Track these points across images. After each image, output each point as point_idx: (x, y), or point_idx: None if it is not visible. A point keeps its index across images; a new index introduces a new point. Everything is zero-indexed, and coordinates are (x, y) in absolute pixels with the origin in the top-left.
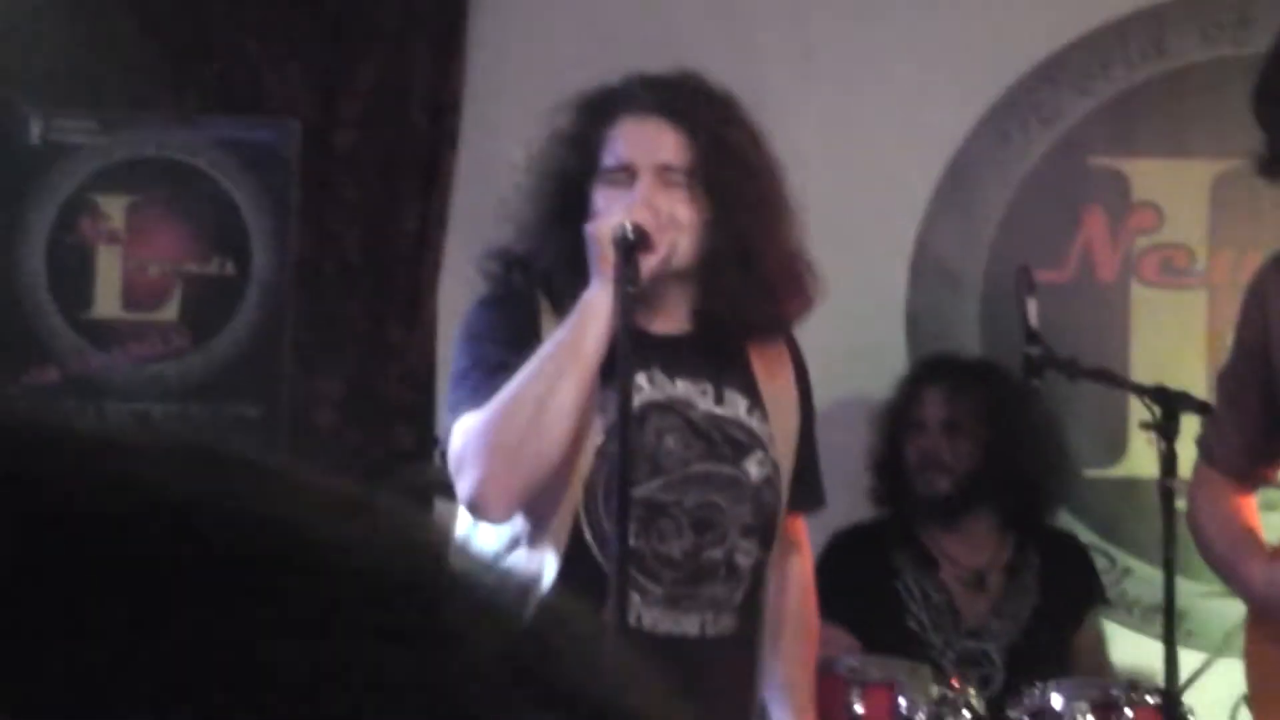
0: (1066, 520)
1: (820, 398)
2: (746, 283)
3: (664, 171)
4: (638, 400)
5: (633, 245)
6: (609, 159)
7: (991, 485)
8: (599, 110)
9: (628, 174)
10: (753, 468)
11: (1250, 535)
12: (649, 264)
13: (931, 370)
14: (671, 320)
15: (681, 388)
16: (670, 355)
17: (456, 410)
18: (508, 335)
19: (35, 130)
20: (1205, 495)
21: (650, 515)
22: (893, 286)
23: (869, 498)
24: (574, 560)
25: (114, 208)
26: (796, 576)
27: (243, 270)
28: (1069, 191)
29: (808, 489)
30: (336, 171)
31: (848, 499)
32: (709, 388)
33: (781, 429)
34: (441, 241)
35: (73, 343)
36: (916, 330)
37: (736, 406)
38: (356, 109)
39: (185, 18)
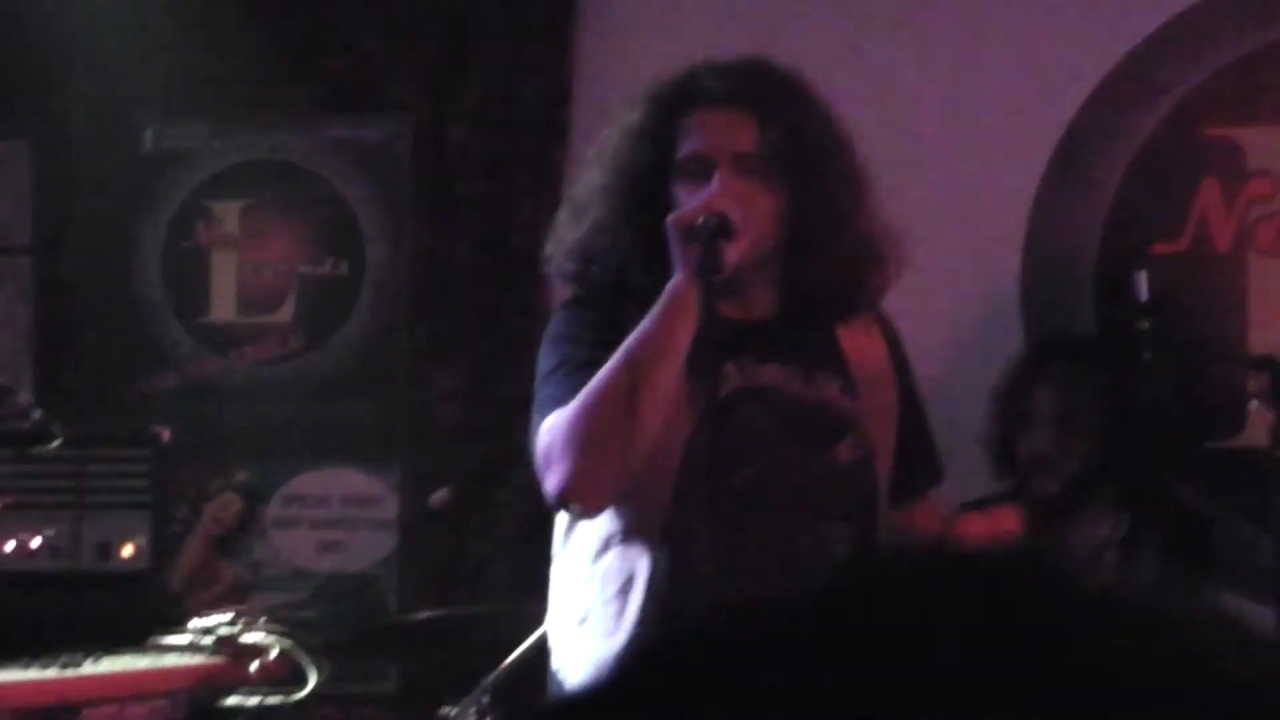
0: (1187, 492)
1: (938, 381)
2: (829, 263)
3: (740, 159)
4: (726, 388)
5: (715, 234)
6: (684, 150)
7: (1107, 474)
8: (671, 102)
9: (704, 164)
10: (844, 451)
11: None
12: (732, 253)
13: (1043, 362)
14: (757, 306)
15: (771, 372)
16: (758, 341)
17: (543, 409)
18: (591, 334)
19: (148, 139)
20: None
21: (742, 505)
22: (1007, 265)
23: (990, 475)
24: (667, 557)
25: (228, 212)
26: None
27: (357, 270)
28: (1184, 162)
29: (922, 464)
30: (449, 168)
31: (966, 482)
32: (798, 370)
33: (877, 406)
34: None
35: (190, 347)
36: (1031, 309)
37: (828, 388)
38: (468, 105)
39: (295, 19)
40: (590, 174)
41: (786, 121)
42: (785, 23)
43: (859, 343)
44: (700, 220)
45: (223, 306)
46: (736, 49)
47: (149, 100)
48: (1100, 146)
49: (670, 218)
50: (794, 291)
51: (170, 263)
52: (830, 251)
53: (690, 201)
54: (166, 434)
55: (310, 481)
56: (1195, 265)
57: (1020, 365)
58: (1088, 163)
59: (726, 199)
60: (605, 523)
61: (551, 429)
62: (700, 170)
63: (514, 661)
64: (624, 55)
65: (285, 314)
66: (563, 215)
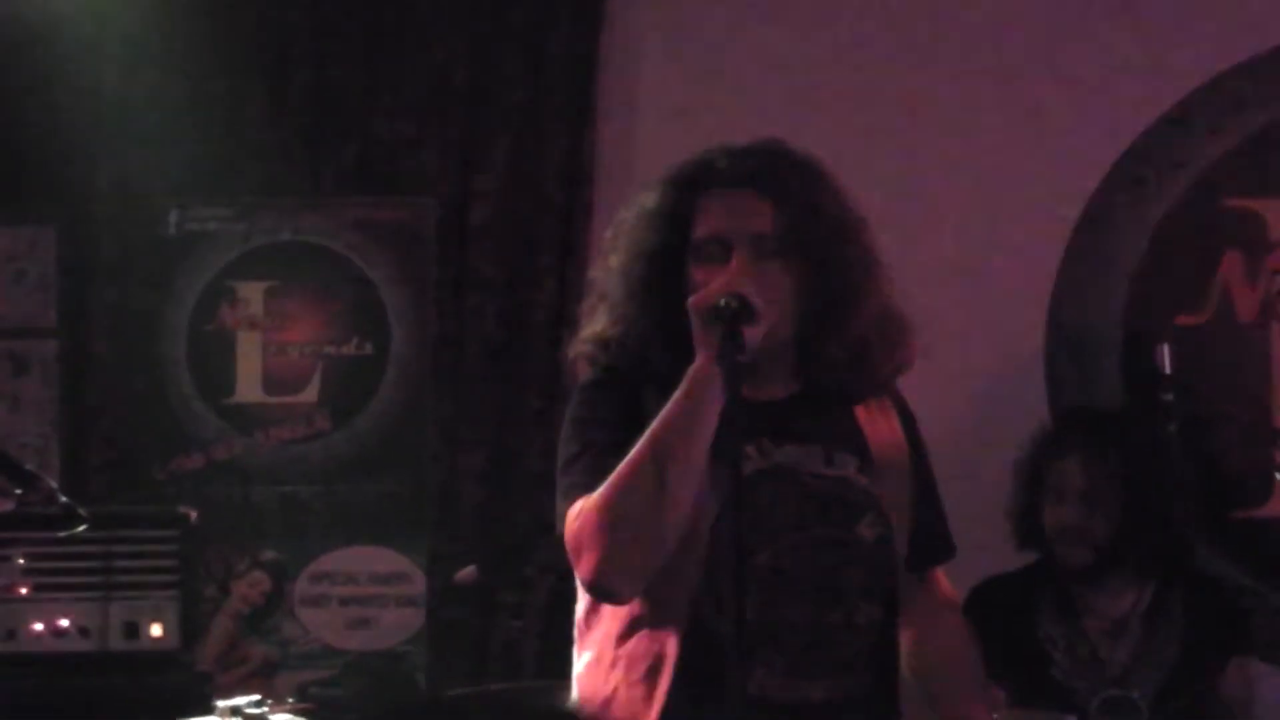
0: (1215, 562)
1: (963, 456)
2: (845, 344)
3: (758, 241)
4: (747, 469)
5: (736, 317)
6: (700, 231)
7: (1132, 545)
8: (687, 184)
9: (721, 246)
10: (865, 529)
11: None
12: (753, 335)
13: (1067, 436)
14: (774, 387)
15: (791, 453)
16: (776, 421)
17: (570, 495)
18: (614, 416)
19: (173, 221)
20: None
21: (769, 584)
22: (1031, 339)
23: (1013, 544)
24: (695, 639)
25: (252, 293)
26: (956, 628)
27: (382, 349)
28: (1206, 234)
29: (935, 540)
30: (473, 248)
31: (991, 556)
32: (818, 450)
33: (894, 484)
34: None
35: (216, 428)
36: (1056, 384)
37: (846, 466)
38: (491, 185)
39: (317, 103)
40: (609, 257)
41: (801, 204)
42: (803, 108)
43: (875, 422)
44: (721, 302)
45: (248, 387)
46: (754, 133)
47: (173, 183)
48: (1122, 220)
49: (691, 300)
50: (810, 373)
51: (195, 344)
52: (846, 333)
53: (709, 283)
54: (194, 514)
55: (337, 559)
56: (1219, 336)
57: (1045, 438)
58: (1110, 236)
59: (746, 281)
60: (632, 605)
61: (581, 515)
62: (717, 252)
63: None
64: (645, 137)
65: (310, 394)
66: (585, 299)
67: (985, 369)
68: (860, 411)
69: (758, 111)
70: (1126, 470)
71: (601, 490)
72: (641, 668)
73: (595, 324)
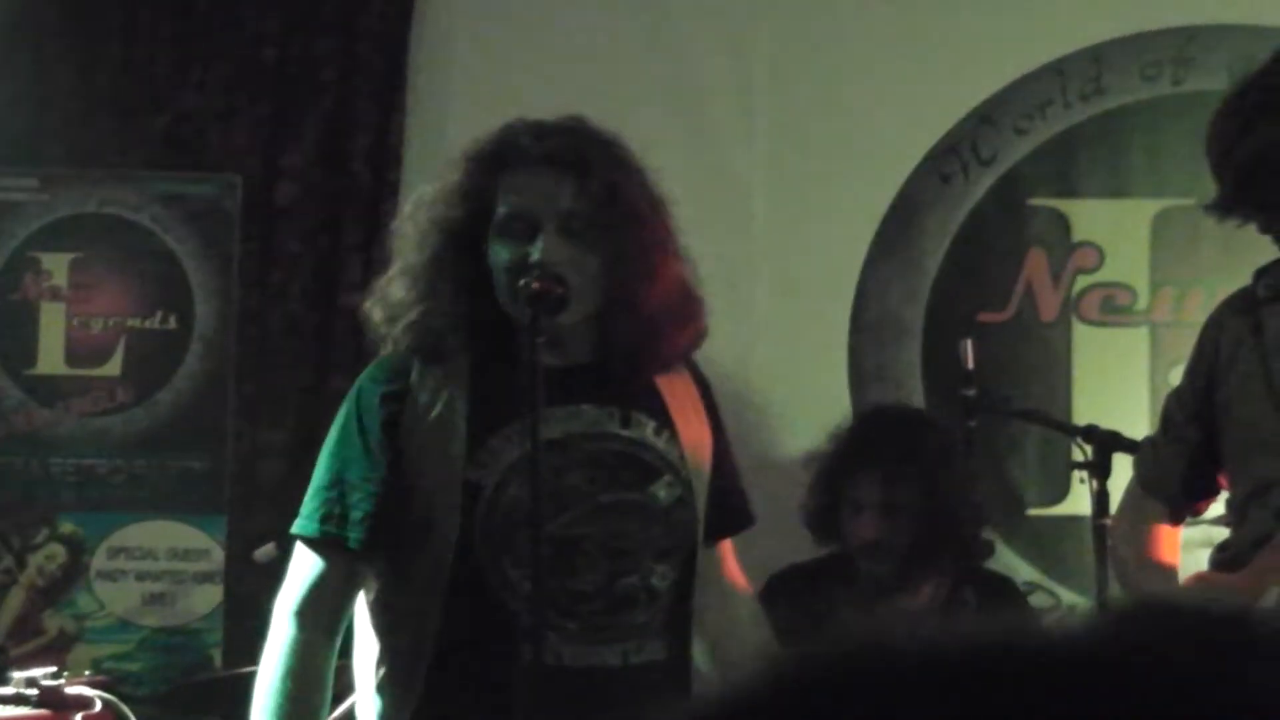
0: (1011, 558)
1: (764, 444)
2: (638, 321)
3: (566, 218)
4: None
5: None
6: (504, 208)
7: (930, 550)
8: (490, 161)
9: (524, 223)
10: (661, 491)
11: (1164, 569)
12: (567, 316)
13: (866, 446)
14: (572, 353)
15: (587, 413)
16: (573, 383)
17: (300, 529)
18: (373, 439)
19: None
20: (1130, 519)
21: (561, 552)
22: (836, 331)
23: (808, 535)
24: (481, 608)
25: (57, 264)
26: (743, 601)
27: (186, 324)
28: (1010, 233)
29: (733, 509)
30: (279, 225)
31: (789, 544)
32: (615, 411)
33: (693, 446)
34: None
35: (17, 399)
36: (859, 375)
37: (644, 428)
38: (298, 162)
39: (127, 74)
40: (407, 229)
41: (605, 183)
42: (614, 76)
43: (674, 387)
44: (537, 286)
45: (50, 359)
46: (567, 104)
47: None
48: (927, 215)
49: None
50: (606, 345)
51: None
52: (638, 311)
53: (513, 259)
54: None
55: (136, 533)
56: (1020, 334)
57: (843, 444)
58: (915, 231)
59: (563, 260)
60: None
61: (280, 611)
62: (521, 229)
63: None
64: (455, 110)
65: (113, 367)
66: (385, 275)
67: (789, 366)
68: (660, 381)
69: (573, 94)
70: (926, 478)
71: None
72: (407, 638)
73: (392, 291)
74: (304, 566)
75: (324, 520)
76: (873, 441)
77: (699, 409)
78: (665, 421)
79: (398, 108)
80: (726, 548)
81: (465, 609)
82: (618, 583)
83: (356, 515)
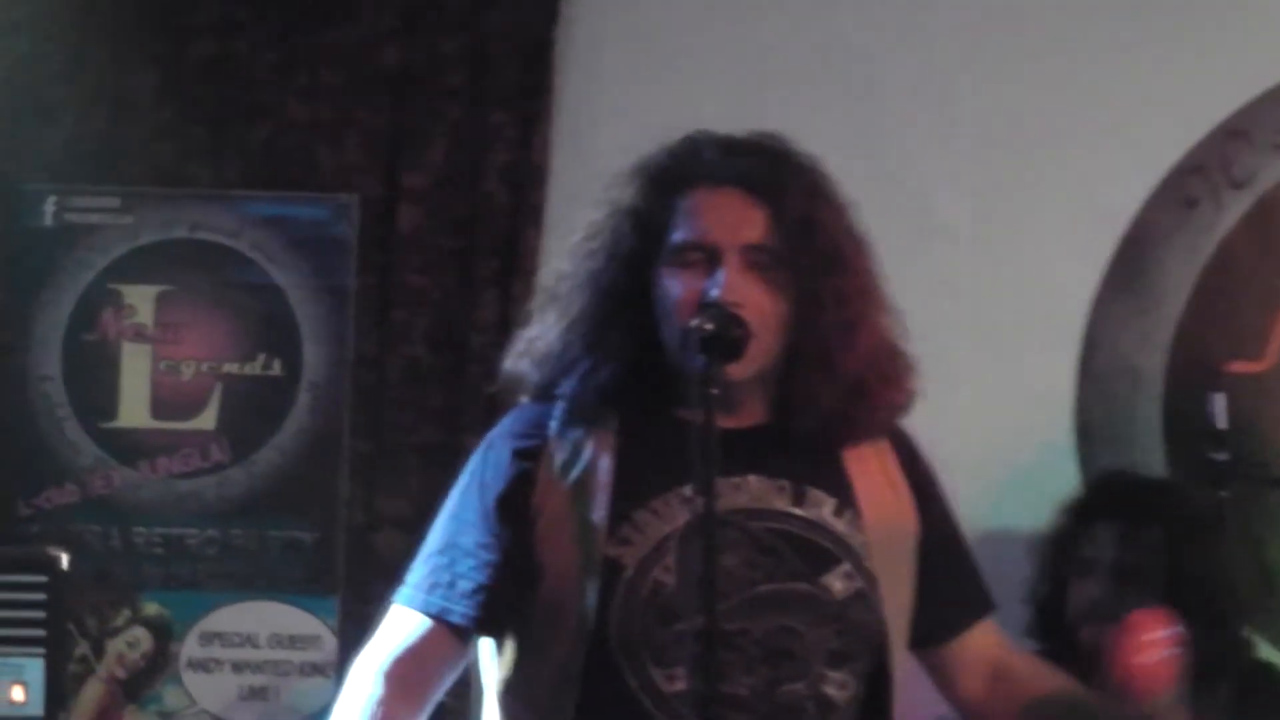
0: (1266, 650)
1: (975, 522)
2: (834, 384)
3: (750, 253)
4: (685, 516)
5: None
6: (680, 235)
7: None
8: (669, 178)
9: (704, 254)
10: (836, 582)
11: None
12: (740, 370)
13: (1103, 499)
14: (741, 415)
15: (754, 486)
16: (739, 449)
17: (404, 600)
18: (492, 506)
19: (48, 210)
20: None
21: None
22: (1059, 388)
23: (1025, 634)
24: (616, 710)
25: (141, 299)
26: (1032, 660)
27: (291, 371)
28: (1267, 267)
29: (970, 596)
30: (401, 254)
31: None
32: (787, 485)
33: (884, 531)
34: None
35: (94, 457)
36: (1088, 439)
37: (821, 506)
38: (424, 182)
39: (223, 80)
40: (566, 262)
41: (800, 214)
42: (791, 102)
43: (867, 466)
44: (714, 328)
45: (133, 410)
46: (736, 126)
47: (49, 165)
48: (1167, 248)
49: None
50: (789, 408)
51: (72, 357)
52: (837, 371)
53: (685, 294)
54: (64, 558)
55: (232, 616)
56: None
57: (1074, 506)
58: (1154, 267)
59: (737, 295)
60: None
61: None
62: (698, 260)
63: None
64: (608, 127)
65: (206, 420)
66: (532, 303)
67: (1006, 430)
68: (848, 453)
69: (741, 106)
70: (1169, 551)
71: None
72: None
73: (540, 329)
74: (402, 628)
75: (430, 590)
76: (1108, 498)
77: (896, 484)
78: (847, 500)
79: (540, 117)
80: (978, 637)
81: (600, 707)
82: (779, 690)
83: (466, 586)
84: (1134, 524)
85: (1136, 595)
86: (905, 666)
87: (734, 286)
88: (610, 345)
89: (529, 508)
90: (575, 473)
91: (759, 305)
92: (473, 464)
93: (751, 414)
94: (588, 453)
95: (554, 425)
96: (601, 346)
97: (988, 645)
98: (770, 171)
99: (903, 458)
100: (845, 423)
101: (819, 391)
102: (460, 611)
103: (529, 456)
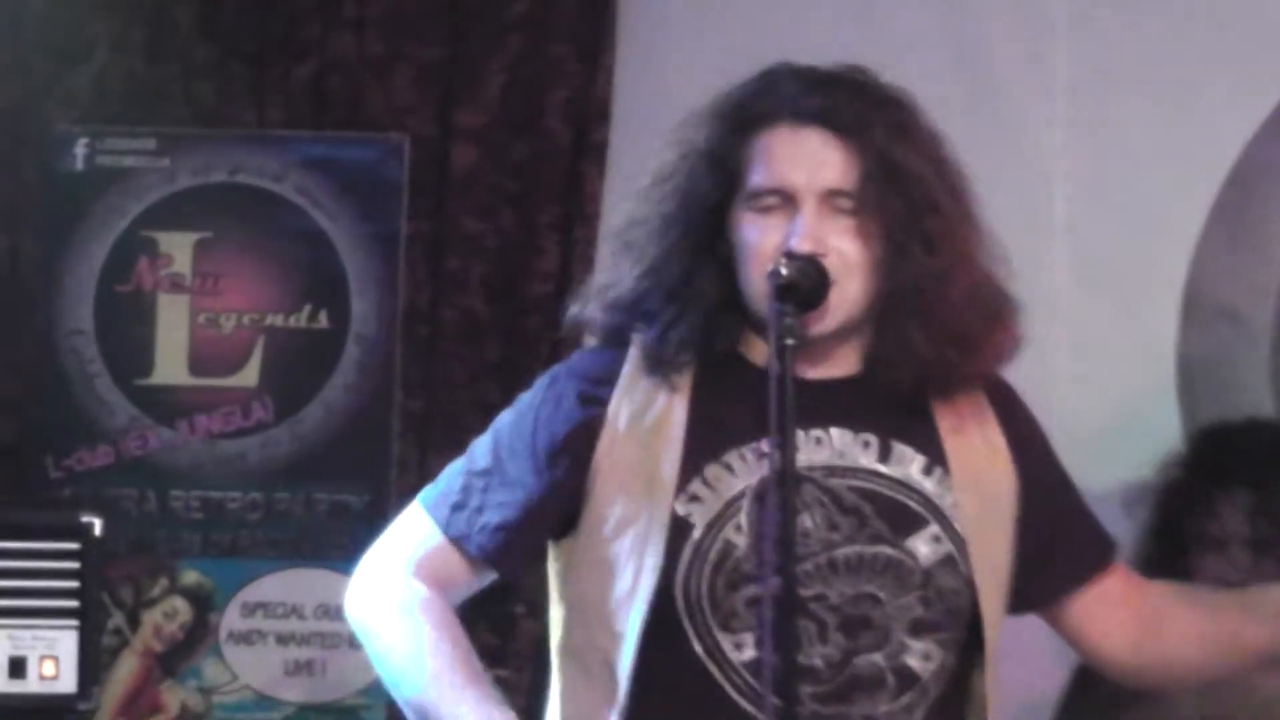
0: None
1: (1072, 476)
2: (927, 332)
3: (831, 198)
4: (761, 472)
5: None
6: (757, 178)
7: None
8: (744, 116)
9: (781, 198)
10: (922, 546)
11: None
12: (822, 321)
13: (1226, 461)
14: (825, 364)
15: (836, 440)
16: (822, 401)
17: (426, 502)
18: (543, 446)
19: (80, 153)
20: None
21: (789, 612)
22: (1160, 333)
23: None
24: (681, 674)
25: (178, 247)
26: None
27: (339, 323)
28: None
29: (1087, 544)
30: (455, 198)
31: None
32: (872, 439)
33: (976, 491)
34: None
35: (129, 416)
36: (1191, 384)
37: (908, 464)
38: (479, 120)
39: (264, 13)
40: (639, 206)
41: (886, 154)
42: (871, 32)
43: (962, 421)
44: (791, 273)
45: (170, 366)
46: (820, 58)
47: (80, 105)
48: (1275, 187)
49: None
50: (883, 354)
51: (105, 309)
52: (934, 319)
53: (763, 240)
54: (98, 524)
55: (276, 586)
56: None
57: (1190, 466)
58: (1259, 207)
59: (815, 243)
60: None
61: (377, 560)
62: (776, 204)
63: None
64: (676, 61)
65: (248, 376)
66: (600, 259)
67: (1106, 373)
68: (940, 407)
69: (816, 35)
70: None
71: (371, 620)
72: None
73: (614, 274)
74: (418, 532)
75: (455, 508)
76: (1238, 461)
77: (992, 440)
78: (937, 457)
79: (604, 49)
80: (1107, 586)
81: (661, 672)
82: (855, 660)
83: (492, 519)
84: (1265, 492)
85: (1276, 568)
86: (1007, 636)
87: (812, 234)
88: (691, 295)
89: (587, 456)
90: (646, 423)
91: (842, 252)
92: (533, 395)
93: (842, 365)
94: (660, 402)
95: (626, 371)
96: (682, 296)
97: (1123, 592)
98: (853, 108)
99: (1000, 410)
100: (942, 373)
101: (913, 340)
102: (478, 543)
103: (596, 402)
